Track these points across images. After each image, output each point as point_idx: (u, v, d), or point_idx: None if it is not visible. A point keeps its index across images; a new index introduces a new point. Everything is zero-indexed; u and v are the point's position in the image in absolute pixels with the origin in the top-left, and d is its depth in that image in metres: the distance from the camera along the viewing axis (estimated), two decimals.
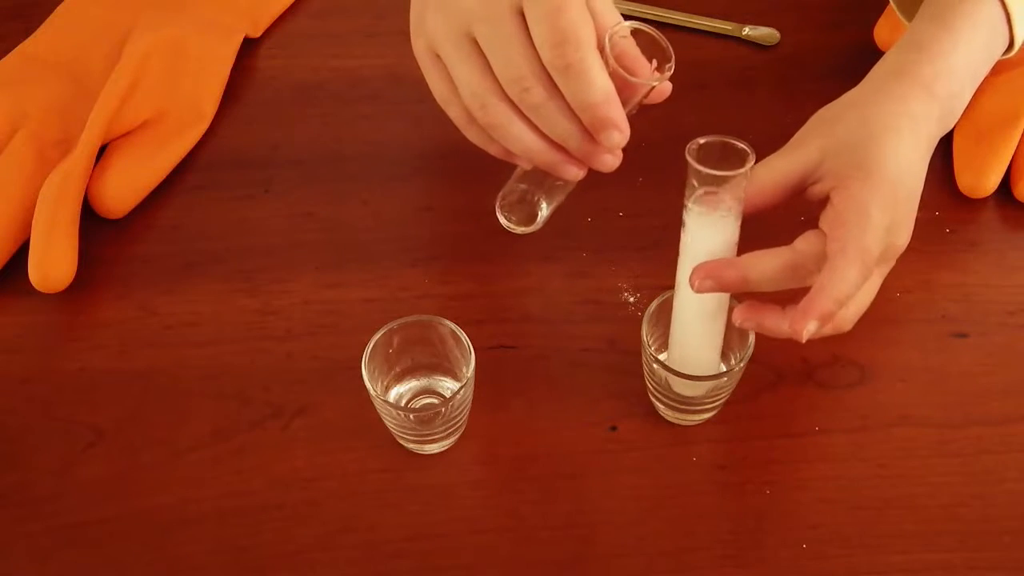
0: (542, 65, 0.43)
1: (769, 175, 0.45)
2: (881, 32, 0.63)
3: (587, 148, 0.45)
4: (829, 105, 0.48)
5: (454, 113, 0.48)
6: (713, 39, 0.67)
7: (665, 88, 0.48)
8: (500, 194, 0.49)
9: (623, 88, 0.44)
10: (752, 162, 0.41)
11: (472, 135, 0.48)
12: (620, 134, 0.44)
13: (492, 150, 0.49)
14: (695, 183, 0.42)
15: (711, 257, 0.43)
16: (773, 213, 0.57)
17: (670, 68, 0.45)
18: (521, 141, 0.45)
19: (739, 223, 0.43)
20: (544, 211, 0.49)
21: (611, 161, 0.46)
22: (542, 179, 0.49)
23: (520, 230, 0.49)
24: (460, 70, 0.45)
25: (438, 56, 0.46)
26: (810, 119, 0.48)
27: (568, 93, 0.43)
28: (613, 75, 0.43)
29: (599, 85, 0.42)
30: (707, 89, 0.64)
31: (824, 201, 0.44)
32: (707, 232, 0.43)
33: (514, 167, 0.50)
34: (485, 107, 0.45)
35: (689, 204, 0.43)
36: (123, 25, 0.64)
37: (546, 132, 0.45)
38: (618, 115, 0.43)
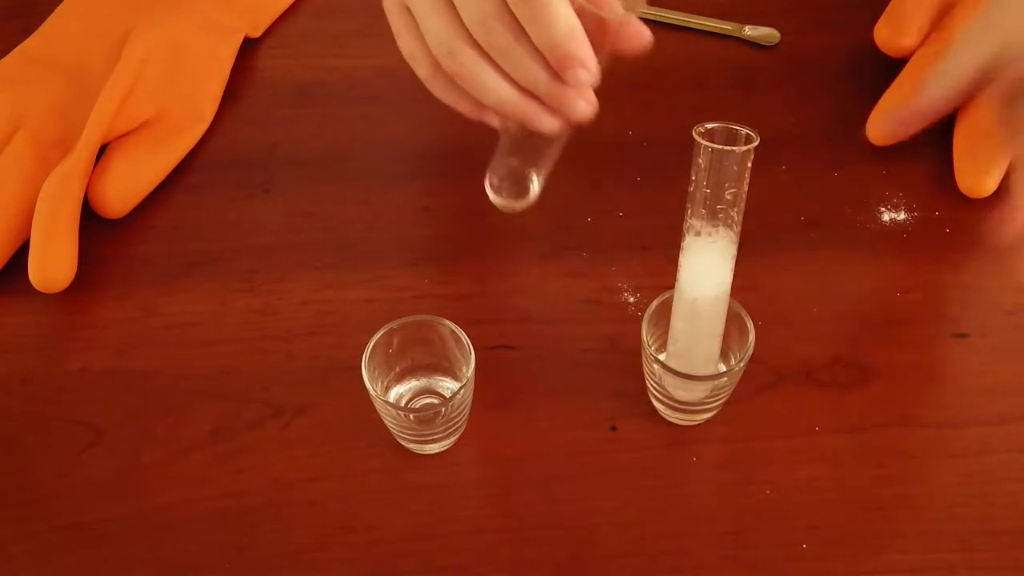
0: (509, 8, 0.42)
1: (947, 79, 0.45)
2: (881, 32, 0.63)
3: (557, 92, 0.43)
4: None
5: (422, 69, 0.47)
6: (713, 39, 0.67)
7: (643, 35, 0.45)
8: (487, 173, 0.47)
9: (593, 29, 0.43)
10: (756, 143, 0.41)
11: (439, 89, 0.47)
12: (587, 72, 0.42)
13: (462, 106, 0.47)
14: (700, 162, 0.42)
15: (710, 270, 0.43)
16: (772, 215, 0.57)
17: (642, 2, 0.44)
18: (491, 90, 0.44)
19: (736, 240, 0.43)
20: (535, 183, 0.47)
21: (584, 107, 0.44)
22: (524, 145, 0.47)
23: (516, 206, 0.47)
24: (428, 19, 0.44)
25: (407, 9, 0.46)
26: (971, 20, 0.47)
27: (532, 30, 0.42)
28: (580, 13, 0.42)
29: (563, 20, 0.41)
30: (707, 89, 0.64)
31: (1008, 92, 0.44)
32: (706, 250, 0.43)
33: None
34: (452, 53, 0.44)
35: (690, 219, 0.43)
36: (123, 25, 0.64)
37: (514, 77, 0.44)
38: (584, 51, 0.42)
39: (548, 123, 0.45)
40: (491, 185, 0.47)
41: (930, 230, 0.56)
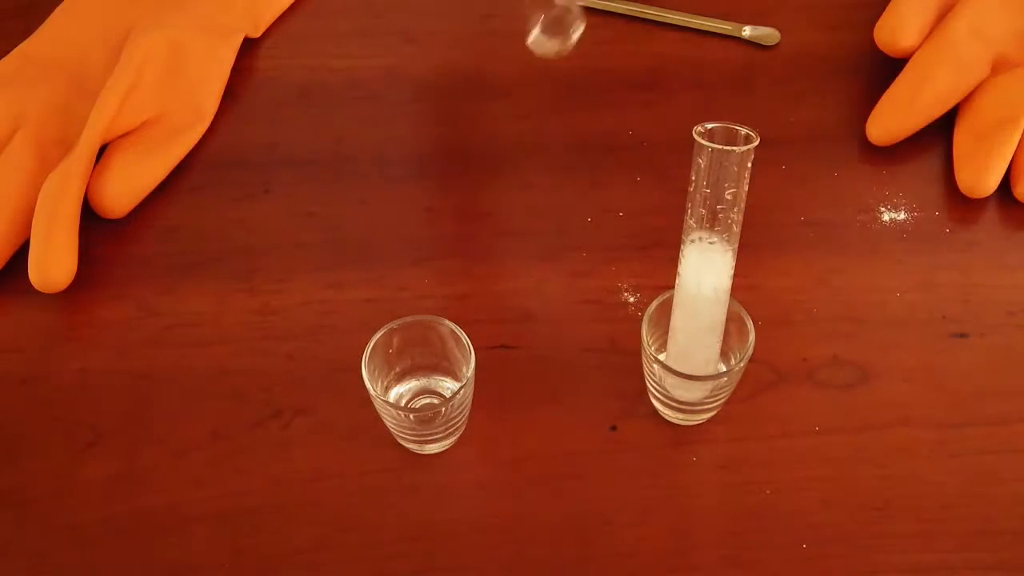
0: None
1: None
2: (881, 32, 0.63)
3: None
4: None
5: None
6: (713, 39, 0.67)
7: None
8: (530, 30, 0.49)
9: None
10: (756, 143, 0.41)
11: None
12: None
13: None
14: (700, 162, 0.42)
15: (710, 270, 0.43)
16: (772, 215, 0.57)
17: None
18: None
19: (736, 240, 0.43)
20: (578, 18, 0.50)
21: None
22: None
23: (565, 46, 0.49)
24: None
25: None
26: None
27: None
28: None
29: None
30: (707, 89, 0.64)
31: None
32: (706, 250, 0.43)
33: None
34: None
35: (689, 222, 0.43)
36: (123, 25, 0.64)
37: None
38: None
39: None
40: (538, 32, 0.48)
41: (930, 230, 0.56)
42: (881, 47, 0.62)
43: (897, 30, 0.61)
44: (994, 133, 0.57)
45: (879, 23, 0.63)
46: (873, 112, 0.60)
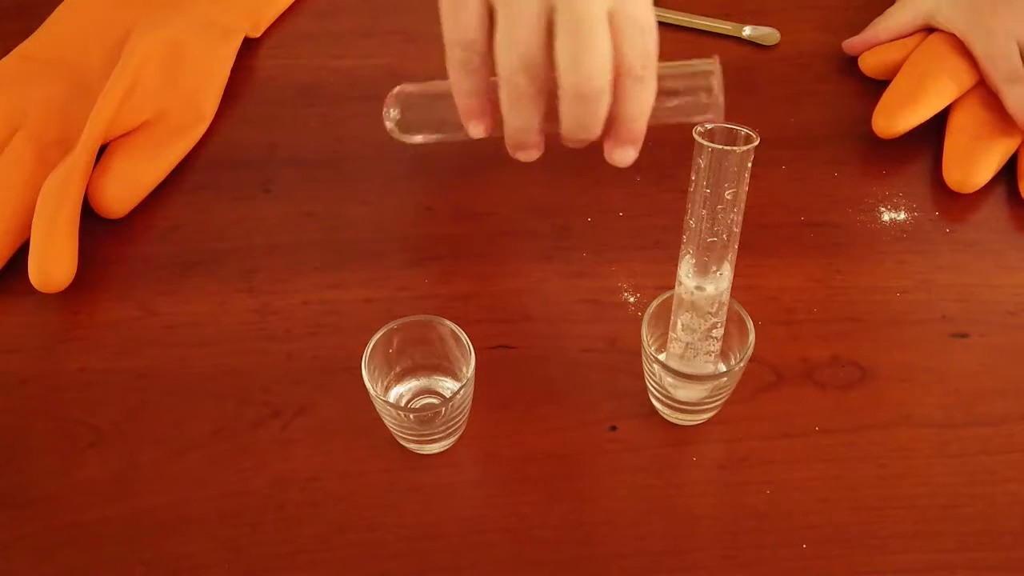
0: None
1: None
2: (867, 60, 0.63)
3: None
4: None
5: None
6: (713, 39, 0.67)
7: None
8: (398, 90, 0.53)
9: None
10: (756, 143, 0.41)
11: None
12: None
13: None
14: (700, 162, 0.42)
15: (710, 270, 0.43)
16: (772, 215, 0.57)
17: None
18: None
19: (737, 240, 0.43)
20: (424, 136, 0.54)
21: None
22: (445, 118, 0.51)
23: (406, 137, 0.54)
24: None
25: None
26: None
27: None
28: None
29: None
30: None
31: None
32: (706, 250, 0.43)
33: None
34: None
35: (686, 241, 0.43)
36: (123, 25, 0.64)
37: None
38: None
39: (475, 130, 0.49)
40: (393, 105, 0.53)
41: (930, 230, 0.56)
42: (868, 74, 0.63)
43: (879, 54, 0.62)
44: (992, 133, 0.57)
45: (864, 54, 0.64)
46: (879, 104, 0.59)
